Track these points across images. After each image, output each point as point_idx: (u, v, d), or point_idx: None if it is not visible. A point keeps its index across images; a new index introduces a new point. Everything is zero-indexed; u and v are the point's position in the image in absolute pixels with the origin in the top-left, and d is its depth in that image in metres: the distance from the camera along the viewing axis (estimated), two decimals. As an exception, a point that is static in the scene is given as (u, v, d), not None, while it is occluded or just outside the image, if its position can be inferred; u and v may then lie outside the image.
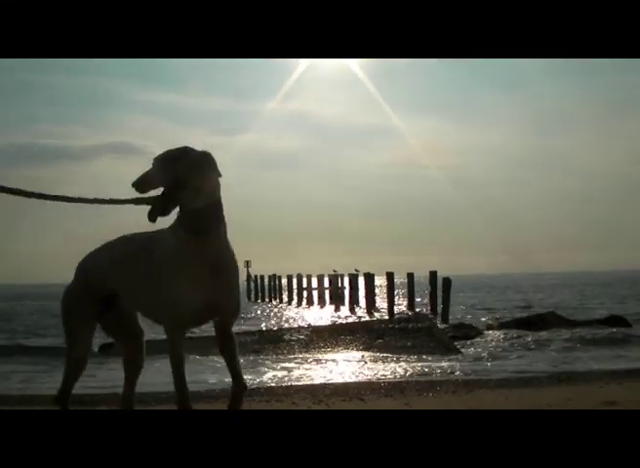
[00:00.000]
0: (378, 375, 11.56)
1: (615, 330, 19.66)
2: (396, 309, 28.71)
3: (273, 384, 10.23)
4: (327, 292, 35.41)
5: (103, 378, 12.29)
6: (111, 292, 3.56)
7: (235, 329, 3.46)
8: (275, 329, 21.92)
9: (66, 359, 3.63)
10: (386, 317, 24.79)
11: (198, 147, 3.17)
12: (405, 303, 31.68)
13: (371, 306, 30.90)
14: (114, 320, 3.66)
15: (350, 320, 24.62)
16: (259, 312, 33.86)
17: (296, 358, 14.51)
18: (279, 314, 32.53)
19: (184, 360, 3.31)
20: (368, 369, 12.63)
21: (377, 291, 33.98)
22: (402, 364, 13.46)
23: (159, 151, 3.17)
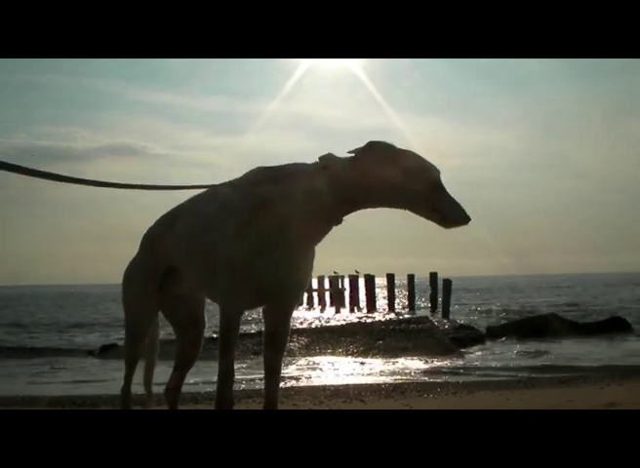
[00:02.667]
0: (378, 377, 11.55)
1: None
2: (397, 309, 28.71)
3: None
4: (327, 293, 35.39)
5: (104, 379, 12.31)
6: (174, 267, 3.24)
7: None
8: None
9: (127, 343, 3.38)
10: (387, 318, 24.77)
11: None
12: (406, 304, 31.68)
13: (371, 308, 30.88)
14: (175, 302, 3.36)
15: (351, 321, 24.60)
16: (259, 314, 33.79)
17: (296, 359, 14.51)
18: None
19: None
20: (368, 370, 12.63)
21: (377, 292, 33.97)
22: (403, 365, 13.46)
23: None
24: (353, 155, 2.87)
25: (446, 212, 2.81)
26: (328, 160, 2.92)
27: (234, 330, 3.00)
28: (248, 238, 2.88)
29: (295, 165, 2.99)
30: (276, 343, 3.07)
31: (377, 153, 2.82)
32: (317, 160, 2.94)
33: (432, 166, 2.88)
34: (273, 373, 3.08)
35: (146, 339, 3.44)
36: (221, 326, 2.98)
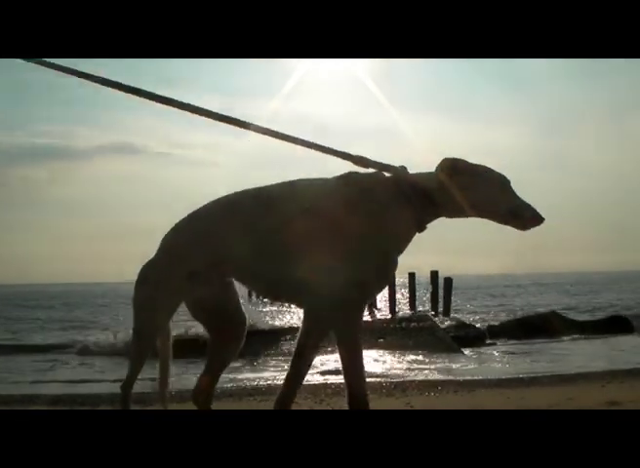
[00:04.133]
0: (379, 375, 11.55)
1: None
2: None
3: (275, 384, 10.26)
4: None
5: (104, 377, 12.31)
6: (209, 266, 3.10)
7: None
8: (277, 328, 21.92)
9: (135, 345, 3.24)
10: (388, 316, 24.76)
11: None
12: (407, 302, 31.65)
13: (372, 306, 30.86)
14: (208, 303, 3.23)
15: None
16: (261, 312, 33.85)
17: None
18: (281, 313, 32.53)
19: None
20: (370, 368, 12.64)
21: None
22: (404, 363, 13.46)
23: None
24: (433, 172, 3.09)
25: (524, 215, 3.05)
26: (405, 172, 3.11)
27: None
28: (366, 248, 2.97)
29: (377, 174, 3.12)
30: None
31: (452, 169, 3.05)
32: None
33: (503, 175, 3.12)
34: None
35: (156, 342, 3.30)
36: (352, 340, 3.05)
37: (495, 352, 15.98)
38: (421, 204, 3.03)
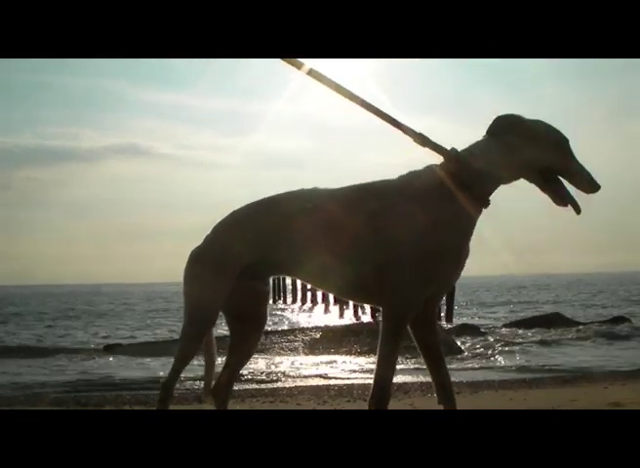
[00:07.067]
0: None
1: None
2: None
3: (277, 385, 10.26)
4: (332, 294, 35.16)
5: (108, 380, 12.33)
6: (258, 262, 3.01)
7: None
8: (279, 329, 21.95)
9: (187, 337, 3.07)
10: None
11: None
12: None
13: (375, 308, 30.79)
14: (244, 296, 3.10)
15: (354, 321, 24.59)
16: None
17: (300, 359, 14.52)
18: (283, 315, 32.55)
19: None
20: (372, 370, 12.61)
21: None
22: (406, 365, 13.45)
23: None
24: (486, 136, 2.95)
25: (583, 177, 2.94)
26: (457, 154, 2.95)
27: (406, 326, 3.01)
28: (439, 236, 2.87)
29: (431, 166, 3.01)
30: (427, 317, 3.07)
31: (508, 126, 2.91)
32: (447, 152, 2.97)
33: (559, 133, 2.94)
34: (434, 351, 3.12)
35: (207, 332, 3.16)
36: (396, 322, 2.96)
37: (497, 353, 15.95)
38: (481, 182, 2.90)
